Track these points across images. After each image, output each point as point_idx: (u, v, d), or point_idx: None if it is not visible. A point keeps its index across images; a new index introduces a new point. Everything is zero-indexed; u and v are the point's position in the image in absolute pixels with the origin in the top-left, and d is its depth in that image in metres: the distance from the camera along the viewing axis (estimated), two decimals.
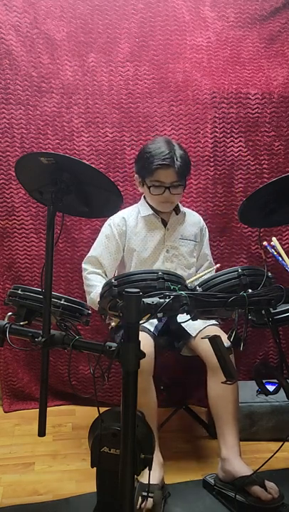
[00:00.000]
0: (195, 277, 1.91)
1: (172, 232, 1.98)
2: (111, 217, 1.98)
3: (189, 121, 2.22)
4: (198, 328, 1.80)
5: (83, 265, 2.00)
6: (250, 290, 1.22)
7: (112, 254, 1.95)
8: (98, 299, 1.75)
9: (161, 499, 1.51)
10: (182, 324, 1.80)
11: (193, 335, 1.80)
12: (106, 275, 1.94)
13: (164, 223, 1.98)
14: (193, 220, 2.06)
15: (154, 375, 1.72)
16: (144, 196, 2.01)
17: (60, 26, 2.14)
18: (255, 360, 2.36)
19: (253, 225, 1.91)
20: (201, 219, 2.12)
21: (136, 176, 1.95)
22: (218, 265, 2.05)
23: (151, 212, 1.97)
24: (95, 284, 1.89)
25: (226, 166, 2.25)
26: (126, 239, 1.96)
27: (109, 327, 1.64)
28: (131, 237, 1.96)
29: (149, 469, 1.23)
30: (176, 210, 2.00)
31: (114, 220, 1.98)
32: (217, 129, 2.22)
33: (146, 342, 1.68)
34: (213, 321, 1.80)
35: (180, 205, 2.03)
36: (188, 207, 2.20)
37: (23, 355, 2.30)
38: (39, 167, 1.22)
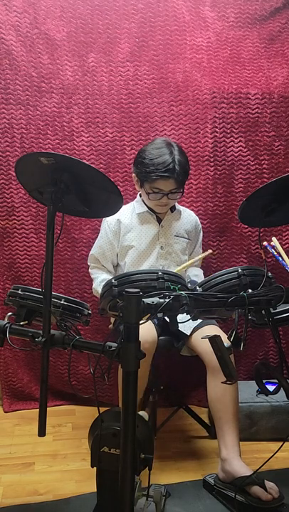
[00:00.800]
0: (181, 266, 1.92)
1: (167, 229, 2.00)
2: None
3: (189, 121, 2.22)
4: (193, 326, 1.80)
5: (88, 262, 2.11)
6: (250, 290, 1.22)
7: (106, 252, 2.01)
8: (98, 288, 1.91)
9: (161, 499, 1.51)
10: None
11: (188, 333, 1.80)
12: (107, 269, 2.04)
13: (159, 220, 2.00)
14: (188, 219, 2.08)
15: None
16: (140, 194, 2.02)
17: (60, 26, 2.14)
18: (255, 360, 2.36)
19: (253, 225, 1.91)
20: (197, 219, 2.14)
21: (134, 175, 1.95)
22: (209, 251, 2.04)
23: (145, 209, 1.99)
24: (96, 276, 2.03)
25: (226, 166, 2.25)
26: (120, 236, 1.99)
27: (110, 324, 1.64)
28: (125, 234, 1.98)
29: (149, 469, 1.23)
30: (172, 207, 2.01)
31: (109, 218, 2.00)
32: (217, 129, 2.22)
33: (149, 326, 1.69)
34: None
35: (176, 203, 2.04)
36: (188, 207, 2.20)
37: (23, 355, 2.30)
38: (39, 167, 1.22)
